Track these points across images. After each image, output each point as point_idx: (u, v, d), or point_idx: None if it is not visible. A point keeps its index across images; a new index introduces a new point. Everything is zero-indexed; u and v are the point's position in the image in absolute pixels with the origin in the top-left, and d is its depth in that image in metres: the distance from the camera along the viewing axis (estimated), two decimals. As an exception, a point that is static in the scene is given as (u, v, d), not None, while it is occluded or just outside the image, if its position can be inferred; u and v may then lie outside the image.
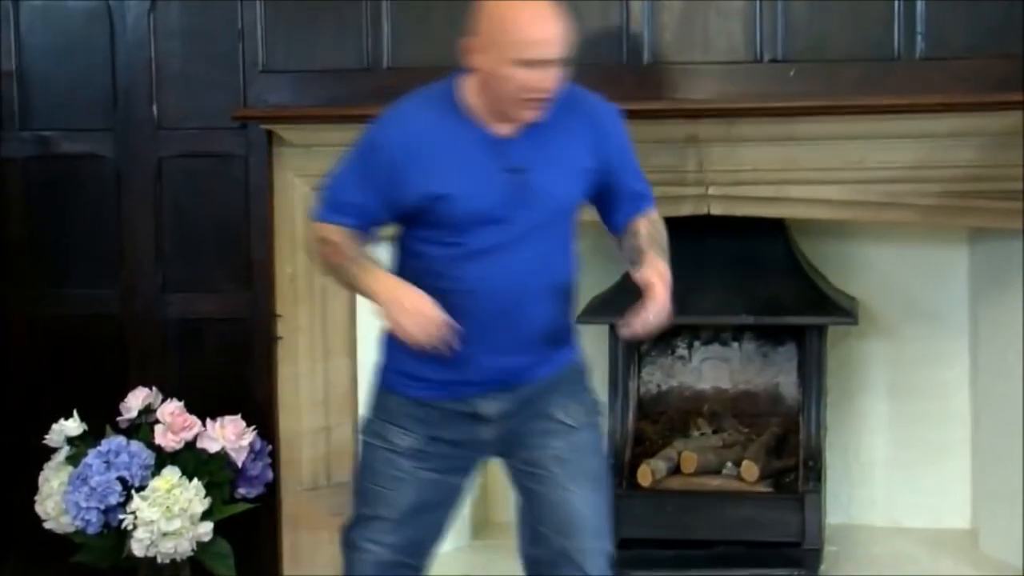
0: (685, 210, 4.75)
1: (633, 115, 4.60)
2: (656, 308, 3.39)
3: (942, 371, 5.22)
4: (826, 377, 4.98)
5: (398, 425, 3.52)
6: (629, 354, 5.08)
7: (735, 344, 5.22)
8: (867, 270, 5.18)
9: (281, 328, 4.99)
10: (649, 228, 3.58)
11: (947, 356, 5.22)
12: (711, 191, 4.72)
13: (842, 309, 4.91)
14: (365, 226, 3.45)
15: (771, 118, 4.63)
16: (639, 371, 5.21)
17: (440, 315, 3.31)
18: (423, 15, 4.83)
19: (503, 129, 3.39)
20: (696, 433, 5.10)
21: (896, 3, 4.63)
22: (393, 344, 3.49)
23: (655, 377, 5.26)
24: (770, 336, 5.18)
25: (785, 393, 5.19)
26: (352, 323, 4.99)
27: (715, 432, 5.09)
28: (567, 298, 3.58)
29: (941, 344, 5.22)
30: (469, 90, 3.39)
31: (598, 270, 5.06)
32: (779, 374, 5.21)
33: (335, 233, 3.44)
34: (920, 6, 4.62)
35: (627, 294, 4.92)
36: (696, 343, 5.24)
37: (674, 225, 4.80)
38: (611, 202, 3.60)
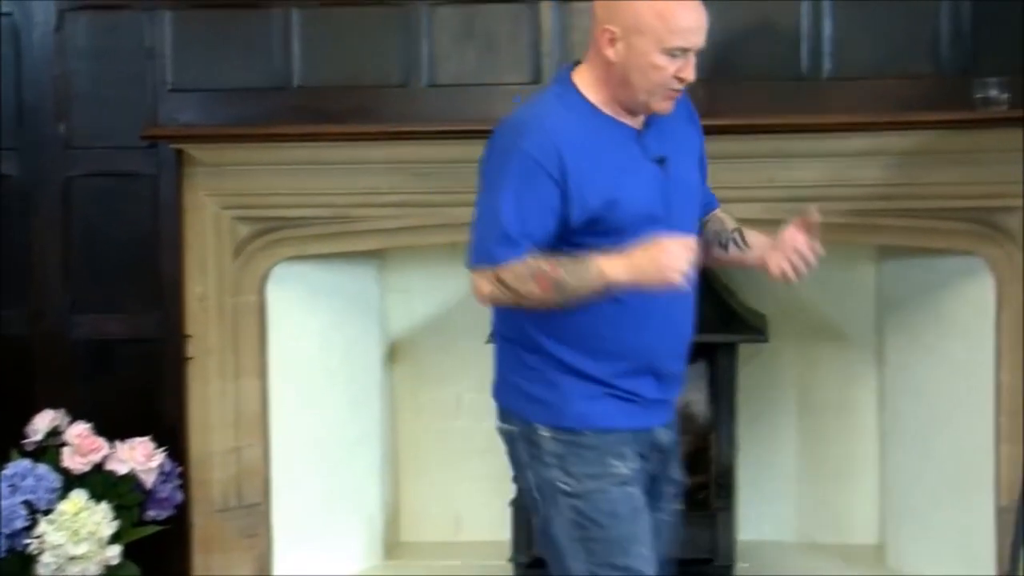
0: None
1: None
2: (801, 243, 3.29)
3: (850, 389, 5.26)
4: (737, 395, 5.01)
5: (613, 454, 3.25)
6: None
7: (647, 362, 5.23)
8: (777, 288, 5.18)
9: (191, 348, 4.95)
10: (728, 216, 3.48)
11: (855, 374, 5.26)
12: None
13: (752, 327, 4.94)
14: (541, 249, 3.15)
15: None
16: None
17: (675, 238, 3.09)
18: (333, 33, 4.83)
19: (634, 123, 3.24)
20: (609, 452, 5.10)
21: (803, 23, 4.69)
22: (581, 375, 3.24)
23: (568, 396, 5.25)
24: (681, 354, 5.19)
25: (696, 411, 5.20)
26: (262, 343, 4.96)
27: (628, 451, 5.09)
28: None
29: (849, 362, 5.25)
30: (589, 86, 3.21)
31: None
32: (690, 392, 5.21)
33: (524, 266, 3.13)
34: (827, 26, 4.69)
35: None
36: (603, 362, 5.24)
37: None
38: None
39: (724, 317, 4.93)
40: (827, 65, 4.70)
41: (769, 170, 4.66)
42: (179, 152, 4.87)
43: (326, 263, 5.03)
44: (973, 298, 4.82)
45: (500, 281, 3.14)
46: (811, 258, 3.28)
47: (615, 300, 3.14)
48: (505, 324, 3.36)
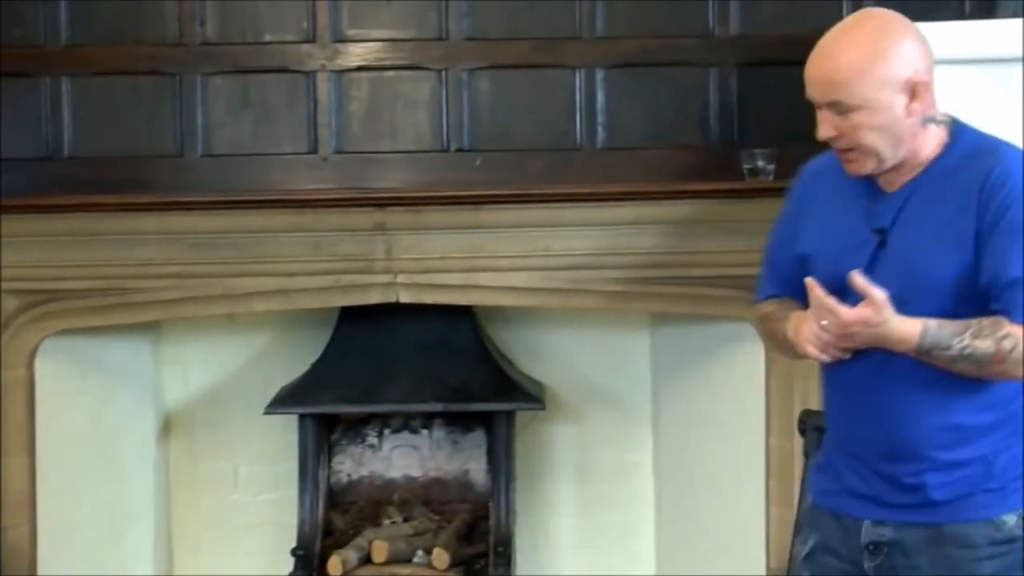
0: (374, 298, 4.76)
1: (320, 204, 4.67)
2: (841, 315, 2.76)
3: (626, 454, 5.31)
4: (515, 462, 5.03)
5: None
6: (319, 444, 5.04)
7: (425, 431, 5.23)
8: (554, 356, 5.26)
9: (-44, 426, 4.80)
10: (991, 328, 2.74)
11: (631, 439, 5.31)
12: (400, 279, 4.73)
13: (530, 394, 4.97)
14: (794, 291, 2.93)
15: (458, 206, 4.68)
16: (329, 460, 5.17)
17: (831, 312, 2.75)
18: (106, 103, 4.76)
19: (887, 182, 2.87)
20: (387, 522, 5.08)
21: (577, 95, 4.78)
22: None
23: (345, 466, 5.23)
24: (460, 422, 5.21)
25: (475, 479, 5.22)
26: (30, 419, 4.82)
27: (406, 520, 5.08)
28: (956, 420, 2.84)
29: (625, 428, 5.30)
30: None
31: (287, 359, 5.04)
32: (469, 460, 5.24)
33: (767, 306, 3.05)
34: (600, 98, 4.78)
35: (317, 384, 4.93)
36: (386, 431, 5.23)
37: (363, 314, 4.89)
38: None
39: (501, 385, 4.95)
40: (601, 135, 4.79)
41: (545, 239, 4.71)
42: (-53, 222, 4.75)
43: (98, 336, 4.93)
44: (743, 364, 4.92)
45: (759, 318, 3.09)
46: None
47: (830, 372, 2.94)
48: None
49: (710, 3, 4.78)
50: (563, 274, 4.77)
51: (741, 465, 4.93)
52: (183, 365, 5.19)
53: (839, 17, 4.67)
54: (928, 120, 2.83)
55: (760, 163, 4.62)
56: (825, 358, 2.81)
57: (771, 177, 4.62)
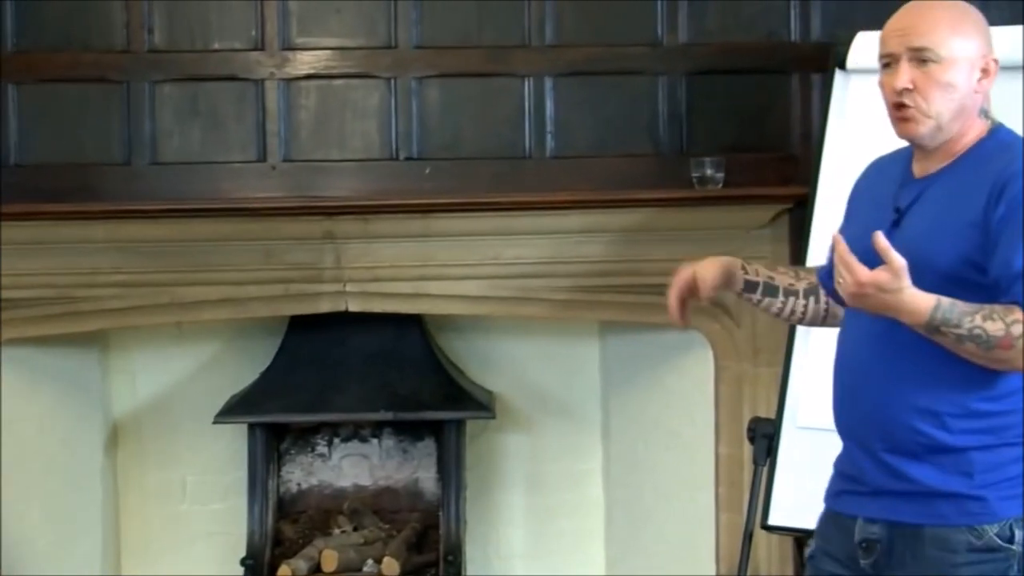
0: (323, 307, 4.75)
1: (269, 212, 4.66)
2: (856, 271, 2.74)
3: (577, 463, 5.31)
4: (465, 471, 5.02)
5: None
6: (268, 453, 5.02)
7: (375, 440, 5.22)
8: (504, 364, 5.25)
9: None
10: (1003, 313, 2.76)
11: (581, 448, 5.31)
12: (349, 288, 4.73)
13: (480, 403, 4.97)
14: None
15: (407, 215, 4.68)
16: (279, 470, 5.16)
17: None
18: (53, 111, 4.73)
19: (921, 167, 2.94)
20: (337, 531, 5.06)
21: (526, 103, 4.78)
22: None
23: (295, 476, 5.21)
24: (409, 431, 5.20)
25: (425, 488, 5.21)
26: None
27: (356, 529, 5.07)
28: (937, 405, 2.87)
29: (575, 436, 5.31)
30: None
31: (236, 368, 5.03)
32: (419, 469, 5.23)
33: None
34: (549, 107, 4.79)
35: (266, 394, 4.92)
36: (336, 440, 5.22)
37: (312, 323, 4.88)
38: None
39: (452, 394, 4.95)
40: (550, 144, 4.80)
41: (495, 247, 4.72)
42: None
43: (45, 346, 4.90)
44: (692, 372, 4.94)
45: None
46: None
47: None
48: None
49: (659, 12, 4.80)
50: (512, 282, 4.78)
51: (691, 473, 4.95)
52: (131, 374, 5.16)
53: (787, 27, 4.78)
54: (983, 111, 2.91)
55: (709, 171, 4.64)
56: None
57: (720, 185, 4.64)
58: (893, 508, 2.91)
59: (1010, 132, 2.94)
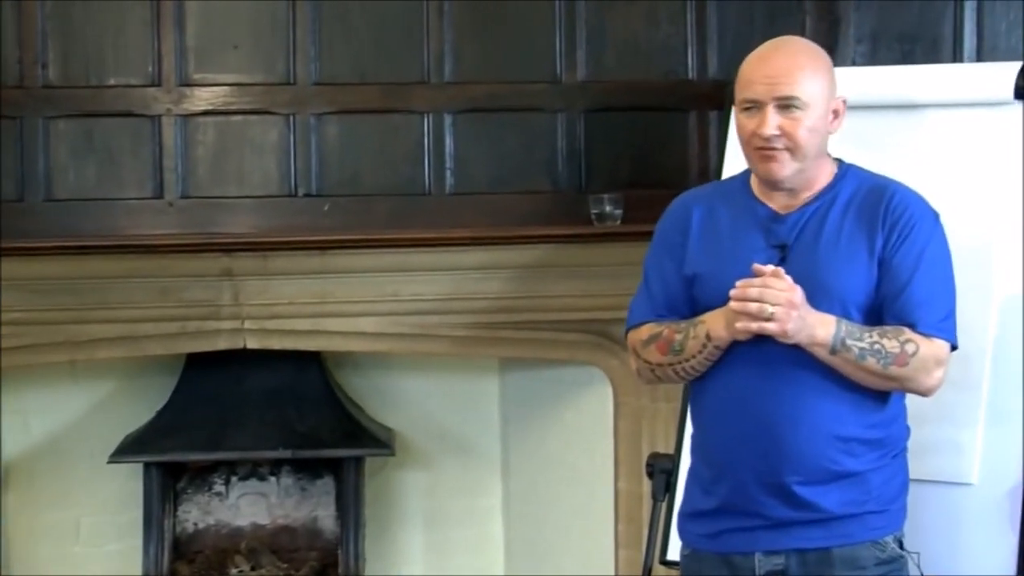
0: (221, 344, 4.71)
1: (166, 249, 4.62)
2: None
3: (476, 499, 5.31)
4: (364, 508, 5.00)
5: None
6: (164, 492, 4.97)
7: (273, 478, 5.19)
8: (403, 401, 5.24)
9: None
10: (895, 332, 2.92)
11: (481, 484, 5.31)
12: (247, 325, 4.70)
13: (379, 440, 4.95)
14: (679, 313, 3.07)
15: (306, 251, 4.66)
16: (175, 509, 5.10)
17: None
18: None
19: (782, 204, 3.04)
20: (234, 571, 5.03)
21: (426, 140, 4.78)
22: None
23: (191, 515, 5.16)
24: (308, 469, 5.17)
25: (324, 526, 5.18)
26: None
27: (253, 569, 5.03)
28: (845, 432, 2.97)
29: (475, 473, 5.31)
30: None
31: (132, 407, 4.98)
32: (317, 507, 5.20)
33: (647, 328, 3.09)
34: (449, 143, 4.79)
35: (162, 432, 4.87)
36: (233, 478, 5.17)
37: (210, 360, 4.84)
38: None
39: (351, 431, 4.94)
40: (449, 180, 4.80)
41: (394, 284, 4.71)
42: None
43: (-65, 384, 4.83)
44: (592, 407, 4.96)
45: (636, 345, 3.15)
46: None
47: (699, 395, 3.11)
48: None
49: (557, 49, 4.82)
50: (411, 319, 4.77)
51: (590, 509, 4.96)
52: (23, 414, 5.08)
53: (684, 66, 4.81)
54: (825, 150, 3.06)
55: (608, 208, 4.66)
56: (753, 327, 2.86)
57: (618, 222, 4.66)
58: (800, 536, 2.98)
59: (859, 168, 3.11)
